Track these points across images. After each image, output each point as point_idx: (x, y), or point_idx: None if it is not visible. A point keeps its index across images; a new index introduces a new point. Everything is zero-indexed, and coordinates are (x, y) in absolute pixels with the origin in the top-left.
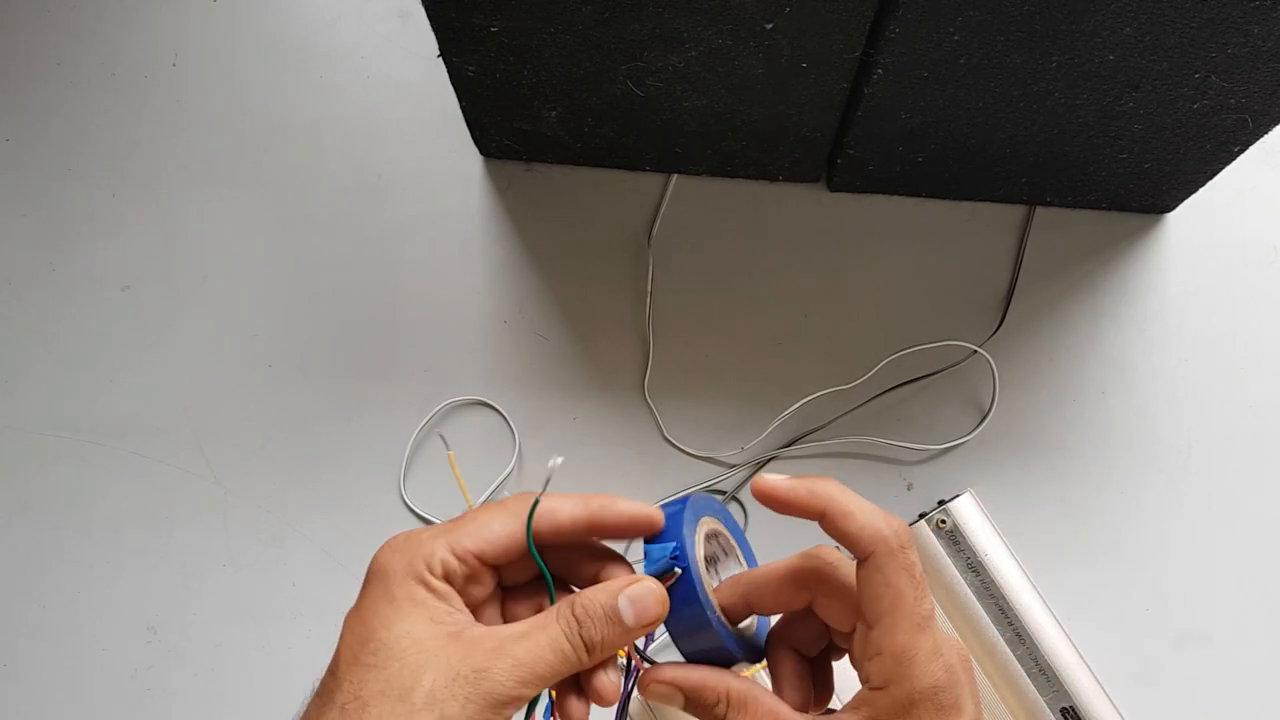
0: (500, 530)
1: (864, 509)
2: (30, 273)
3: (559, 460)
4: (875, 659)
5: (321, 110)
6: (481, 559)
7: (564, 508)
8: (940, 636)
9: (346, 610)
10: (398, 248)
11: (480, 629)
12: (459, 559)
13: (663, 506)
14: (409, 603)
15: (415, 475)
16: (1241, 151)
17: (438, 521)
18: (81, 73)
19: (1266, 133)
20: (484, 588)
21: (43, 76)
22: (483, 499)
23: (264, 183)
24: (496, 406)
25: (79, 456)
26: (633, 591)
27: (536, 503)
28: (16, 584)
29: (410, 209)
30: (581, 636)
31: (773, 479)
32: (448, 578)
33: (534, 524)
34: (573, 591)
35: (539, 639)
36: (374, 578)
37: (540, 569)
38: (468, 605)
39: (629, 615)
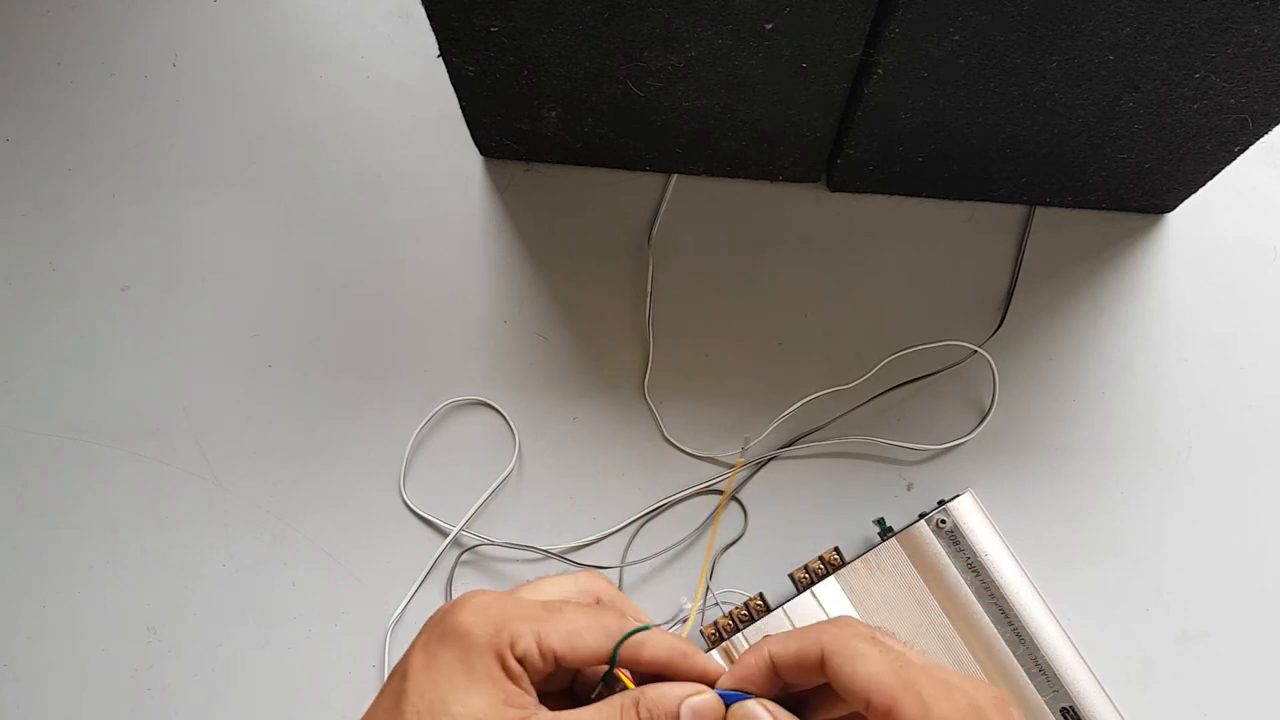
0: (590, 643)
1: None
2: (30, 273)
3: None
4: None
5: (321, 110)
6: (560, 661)
7: (650, 645)
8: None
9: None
10: (398, 248)
11: (547, 715)
12: (541, 654)
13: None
14: (487, 679)
15: (415, 475)
16: (1241, 151)
17: (437, 521)
18: (81, 73)
19: (1266, 133)
20: (548, 684)
21: (43, 76)
22: (482, 499)
23: (264, 183)
24: (496, 406)
25: (79, 456)
26: (697, 702)
27: (634, 631)
28: (16, 584)
29: (410, 209)
30: None
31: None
32: (523, 662)
33: (620, 650)
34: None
35: None
36: (453, 638)
37: (609, 669)
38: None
39: None
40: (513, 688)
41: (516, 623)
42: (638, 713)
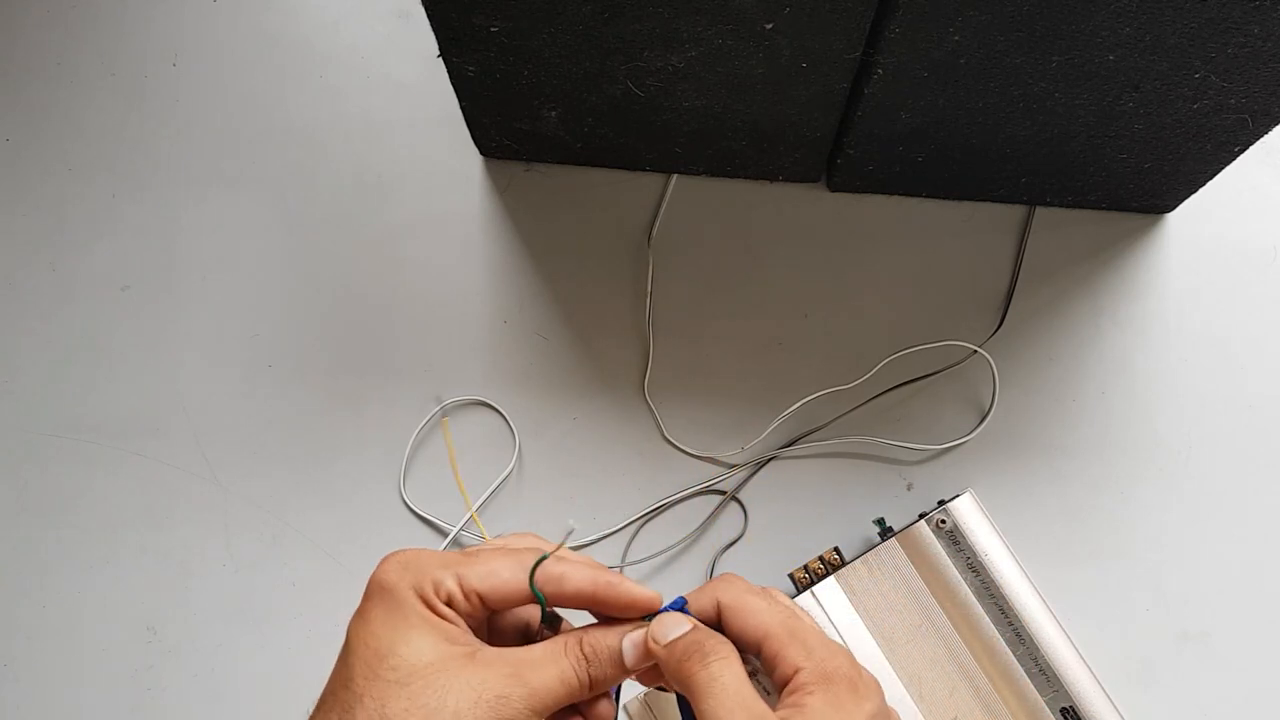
0: (508, 578)
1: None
2: (30, 272)
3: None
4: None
5: (321, 110)
6: (484, 601)
7: (572, 578)
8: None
9: (345, 611)
10: (398, 248)
11: (492, 651)
12: (464, 595)
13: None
14: (422, 621)
15: (415, 475)
16: (1241, 151)
17: (437, 521)
18: (81, 73)
19: (1266, 133)
20: (477, 622)
21: (43, 76)
22: (483, 499)
23: (264, 183)
24: (496, 406)
25: (79, 456)
26: (636, 636)
27: (542, 559)
28: (16, 584)
29: (410, 209)
30: (590, 674)
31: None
32: (451, 605)
33: (539, 586)
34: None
35: (551, 671)
36: (379, 592)
37: (542, 610)
38: None
39: (630, 657)
40: (450, 627)
41: (434, 570)
42: (581, 649)
